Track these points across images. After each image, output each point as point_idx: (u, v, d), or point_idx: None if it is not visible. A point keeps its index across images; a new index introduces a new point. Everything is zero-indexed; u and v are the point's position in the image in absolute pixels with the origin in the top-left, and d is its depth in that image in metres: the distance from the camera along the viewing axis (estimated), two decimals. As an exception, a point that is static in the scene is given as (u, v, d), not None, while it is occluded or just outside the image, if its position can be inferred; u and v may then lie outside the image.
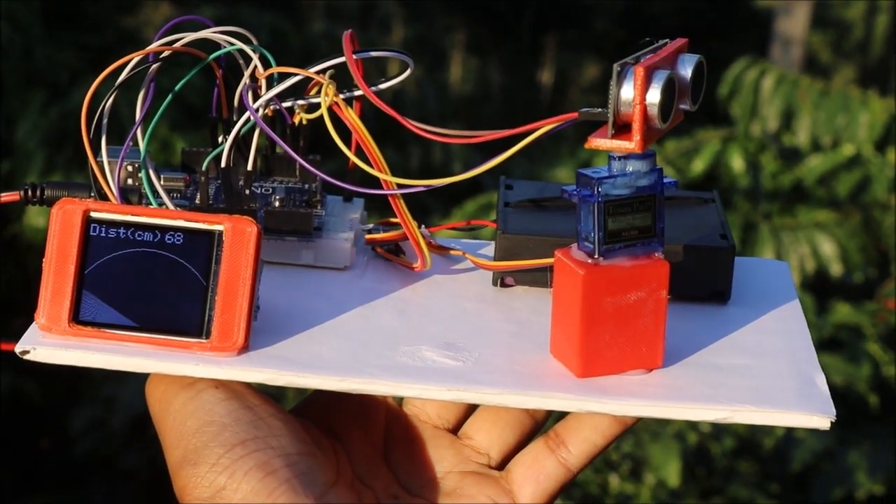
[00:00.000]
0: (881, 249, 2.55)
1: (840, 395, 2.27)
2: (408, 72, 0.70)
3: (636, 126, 0.63)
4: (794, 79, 2.83)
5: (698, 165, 2.58)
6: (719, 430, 2.20)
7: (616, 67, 0.62)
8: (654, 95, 0.63)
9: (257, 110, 0.70)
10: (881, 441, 2.28)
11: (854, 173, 2.63)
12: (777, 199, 2.63)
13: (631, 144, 0.63)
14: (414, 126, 0.68)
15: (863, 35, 6.27)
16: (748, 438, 2.22)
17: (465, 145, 0.67)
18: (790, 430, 2.22)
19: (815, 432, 2.21)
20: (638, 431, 2.14)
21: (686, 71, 0.65)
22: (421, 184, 0.68)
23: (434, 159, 3.08)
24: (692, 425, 2.19)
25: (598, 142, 0.64)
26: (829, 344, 2.35)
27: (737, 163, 2.60)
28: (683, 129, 2.78)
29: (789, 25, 4.72)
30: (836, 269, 2.47)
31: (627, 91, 0.63)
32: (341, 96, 0.68)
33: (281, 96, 0.70)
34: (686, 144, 2.63)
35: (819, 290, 2.51)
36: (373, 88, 0.68)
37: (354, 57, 0.68)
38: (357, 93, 0.69)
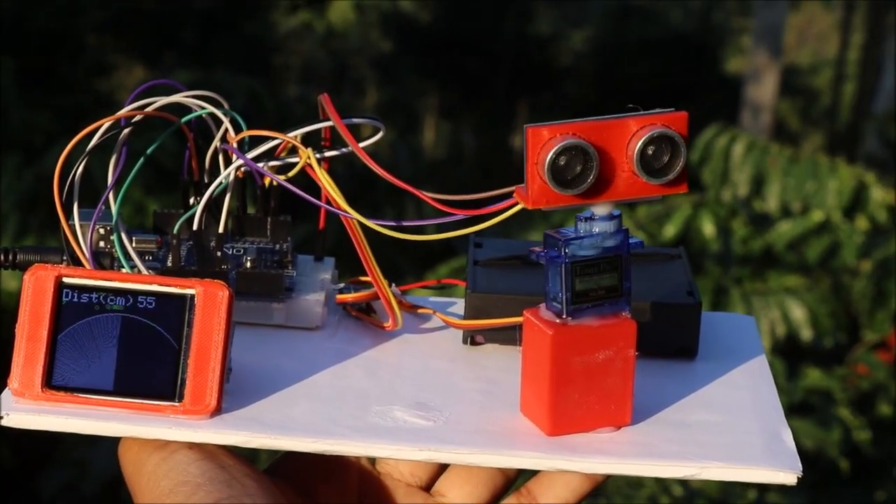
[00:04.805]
0: (851, 314, 2.57)
1: (811, 460, 2.27)
2: (380, 134, 0.71)
3: (528, 183, 0.64)
4: (764, 145, 2.86)
5: (670, 230, 2.59)
6: (691, 493, 2.20)
7: (525, 128, 0.64)
8: (543, 157, 0.63)
9: (230, 174, 0.71)
10: (852, 505, 2.28)
11: (823, 239, 2.64)
12: (748, 263, 2.64)
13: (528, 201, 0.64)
14: (422, 193, 0.68)
15: (830, 102, 6.32)
16: (721, 501, 2.22)
17: (439, 206, 0.68)
18: (762, 494, 2.22)
19: (787, 496, 2.21)
20: (611, 496, 2.13)
21: (637, 140, 0.64)
22: (392, 233, 0.68)
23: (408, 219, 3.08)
24: (664, 489, 2.18)
25: (516, 194, 0.65)
26: (799, 408, 2.36)
27: (708, 228, 2.61)
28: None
29: (759, 92, 4.77)
30: (806, 333, 2.48)
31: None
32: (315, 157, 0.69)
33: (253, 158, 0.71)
34: (657, 209, 2.64)
35: (789, 354, 2.51)
36: (347, 150, 0.69)
37: (330, 124, 0.69)
38: (327, 154, 0.70)
